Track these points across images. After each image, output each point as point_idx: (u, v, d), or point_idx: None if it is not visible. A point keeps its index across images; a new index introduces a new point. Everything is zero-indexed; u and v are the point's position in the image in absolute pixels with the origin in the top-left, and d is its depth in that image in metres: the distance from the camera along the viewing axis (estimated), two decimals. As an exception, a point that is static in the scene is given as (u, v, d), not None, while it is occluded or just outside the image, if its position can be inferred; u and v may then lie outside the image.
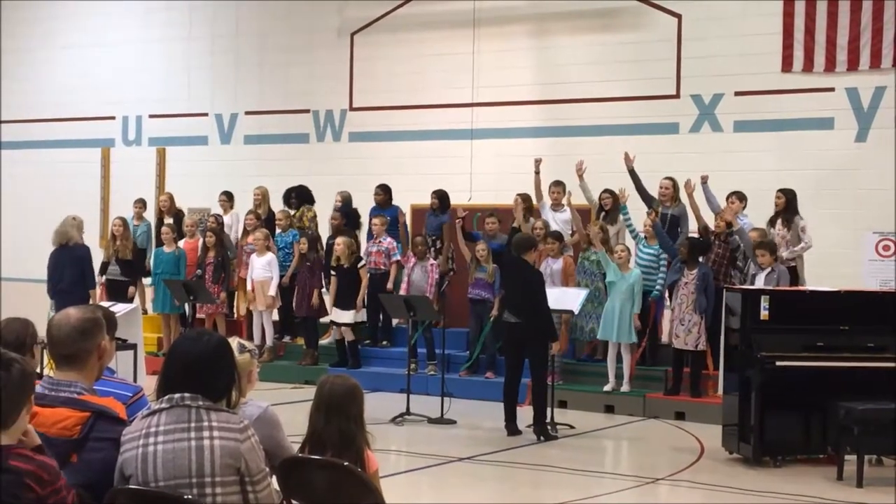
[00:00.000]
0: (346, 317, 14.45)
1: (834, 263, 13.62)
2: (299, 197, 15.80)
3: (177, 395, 3.99)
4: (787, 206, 13.08)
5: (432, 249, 14.53)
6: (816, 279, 12.75)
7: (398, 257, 14.73)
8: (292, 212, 15.80)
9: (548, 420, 11.41)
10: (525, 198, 14.36)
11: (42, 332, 4.57)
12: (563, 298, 12.23)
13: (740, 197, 13.36)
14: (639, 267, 13.18)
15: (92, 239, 15.87)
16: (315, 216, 15.75)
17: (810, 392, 9.90)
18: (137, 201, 17.02)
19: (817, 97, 14.70)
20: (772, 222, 13.14)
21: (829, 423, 9.73)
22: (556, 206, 14.43)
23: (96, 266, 14.47)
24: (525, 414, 11.52)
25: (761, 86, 14.98)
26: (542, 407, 11.32)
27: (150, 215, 17.38)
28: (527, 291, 11.32)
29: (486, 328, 13.81)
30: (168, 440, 3.93)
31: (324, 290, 14.96)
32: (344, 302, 14.47)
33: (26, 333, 4.85)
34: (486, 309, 13.83)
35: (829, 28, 14.60)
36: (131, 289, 15.66)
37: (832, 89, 14.64)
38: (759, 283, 11.45)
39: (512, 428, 11.36)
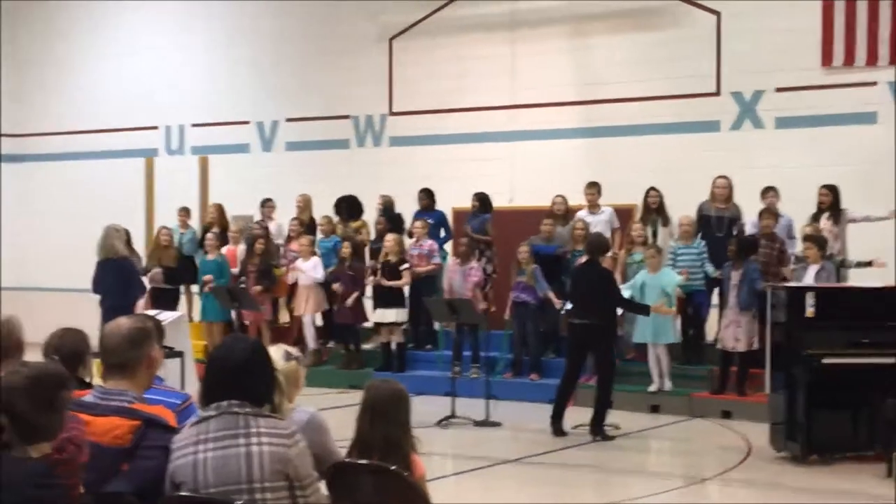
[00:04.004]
0: (390, 315, 14.49)
1: (879, 259, 13.49)
2: (349, 208, 15.83)
3: (225, 403, 4.03)
4: (834, 202, 13.03)
5: (476, 251, 14.58)
6: (860, 276, 12.64)
7: (438, 260, 14.78)
8: (336, 219, 15.85)
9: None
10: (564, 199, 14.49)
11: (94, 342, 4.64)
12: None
13: (776, 192, 13.38)
14: (677, 268, 13.10)
15: (137, 249, 16.02)
16: (369, 232, 15.75)
17: (857, 389, 9.84)
18: (181, 210, 17.18)
19: (859, 91, 14.58)
20: (814, 218, 13.06)
21: (877, 420, 9.66)
22: (593, 207, 14.42)
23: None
24: (572, 415, 11.53)
25: (802, 81, 14.88)
26: (604, 408, 11.34)
27: (193, 223, 17.52)
28: (598, 292, 11.31)
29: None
30: (218, 447, 3.97)
31: (366, 295, 15.02)
32: (388, 301, 14.52)
33: (82, 345, 4.93)
34: (527, 311, 13.84)
35: (870, 21, 14.48)
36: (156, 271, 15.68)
37: (874, 83, 14.52)
38: (809, 280, 11.38)
39: (557, 427, 11.36)
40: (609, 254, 12.20)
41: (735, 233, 13.38)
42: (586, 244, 12.20)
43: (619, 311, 12.25)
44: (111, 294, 13.17)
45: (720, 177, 13.72)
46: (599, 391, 11.44)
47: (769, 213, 13.03)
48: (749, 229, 13.39)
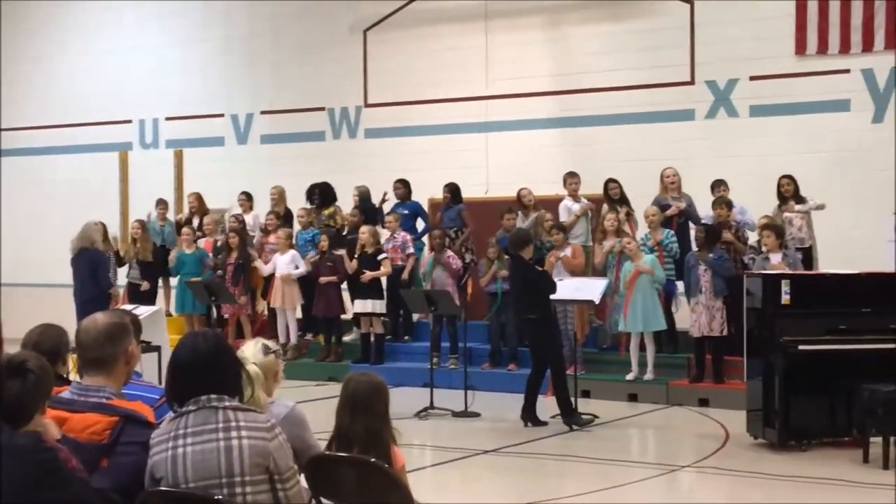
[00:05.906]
0: (368, 306, 14.49)
1: (853, 246, 13.59)
2: (322, 194, 15.80)
3: (204, 397, 4.03)
4: (797, 190, 13.16)
5: (454, 241, 14.60)
6: (835, 262, 12.73)
7: (411, 250, 14.78)
8: (310, 207, 15.81)
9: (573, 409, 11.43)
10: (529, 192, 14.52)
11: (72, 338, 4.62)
12: (584, 288, 12.22)
13: (726, 186, 13.55)
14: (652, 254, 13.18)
15: (113, 242, 15.93)
16: (343, 218, 15.70)
17: (834, 375, 9.88)
18: (159, 202, 17.09)
19: (833, 79, 14.66)
20: (780, 208, 13.17)
21: (853, 406, 9.72)
22: (574, 197, 14.45)
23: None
24: (552, 405, 11.56)
25: (776, 70, 14.95)
26: (565, 398, 11.34)
27: (171, 216, 17.42)
28: (527, 286, 11.35)
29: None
30: (197, 441, 3.97)
31: (343, 286, 15.01)
32: (365, 292, 14.50)
33: (61, 342, 4.91)
34: (506, 302, 13.87)
35: (842, 9, 14.55)
36: (144, 283, 15.63)
37: (847, 71, 14.60)
38: (776, 262, 11.51)
39: (525, 417, 11.39)
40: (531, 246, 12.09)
41: (678, 221, 13.48)
42: (508, 240, 12.21)
43: (597, 298, 12.26)
44: (85, 286, 13.22)
45: (668, 167, 13.80)
46: (553, 382, 11.42)
47: (722, 201, 13.14)
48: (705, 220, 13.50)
